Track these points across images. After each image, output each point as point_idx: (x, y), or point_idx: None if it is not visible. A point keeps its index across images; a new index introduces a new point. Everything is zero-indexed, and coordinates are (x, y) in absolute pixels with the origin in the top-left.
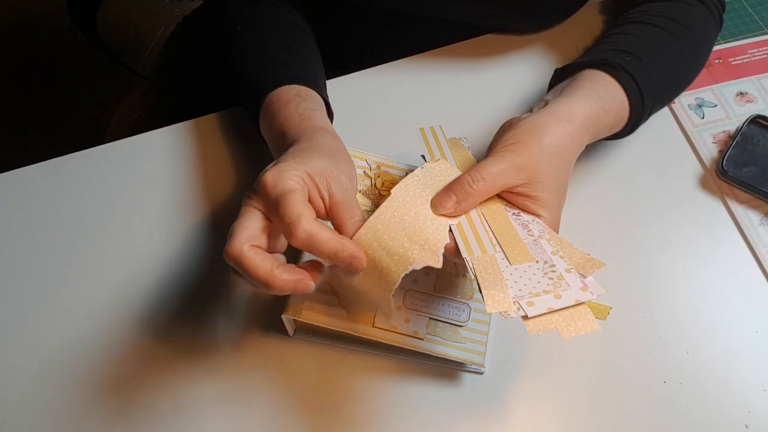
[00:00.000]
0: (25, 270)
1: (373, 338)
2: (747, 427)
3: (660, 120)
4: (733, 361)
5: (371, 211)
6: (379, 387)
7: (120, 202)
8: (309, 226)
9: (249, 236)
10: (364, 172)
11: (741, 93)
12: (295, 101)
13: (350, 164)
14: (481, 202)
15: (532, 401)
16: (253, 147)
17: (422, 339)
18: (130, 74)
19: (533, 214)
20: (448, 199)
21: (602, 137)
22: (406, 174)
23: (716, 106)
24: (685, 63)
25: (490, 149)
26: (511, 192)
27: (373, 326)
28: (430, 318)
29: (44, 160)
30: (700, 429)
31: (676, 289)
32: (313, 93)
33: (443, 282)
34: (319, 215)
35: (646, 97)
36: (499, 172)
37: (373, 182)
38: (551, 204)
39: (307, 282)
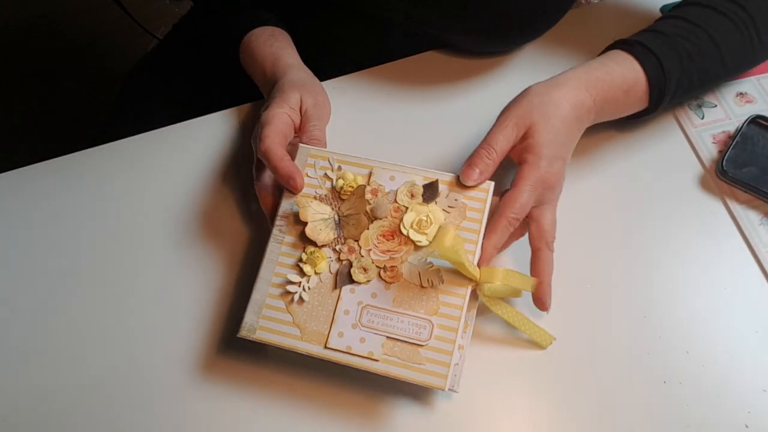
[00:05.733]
0: (24, 269)
1: (325, 359)
2: (747, 427)
3: (660, 120)
4: (733, 361)
5: (329, 219)
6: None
7: (119, 203)
8: (268, 142)
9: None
10: (326, 173)
11: (741, 93)
12: (269, 42)
13: (319, 86)
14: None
15: (530, 401)
16: (250, 147)
17: (377, 360)
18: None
19: (525, 163)
20: (473, 172)
21: (622, 108)
22: (370, 173)
23: (716, 106)
24: (733, 41)
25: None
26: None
27: (325, 347)
28: (387, 337)
29: (44, 160)
30: (700, 429)
31: (676, 289)
32: (282, 31)
33: (405, 295)
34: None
35: (669, 68)
36: (504, 138)
37: (333, 184)
38: (542, 152)
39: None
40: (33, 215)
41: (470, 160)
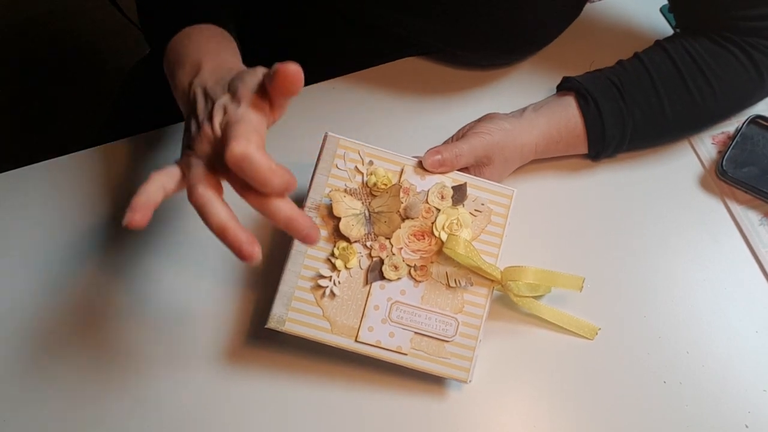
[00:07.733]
0: (24, 270)
1: (355, 352)
2: (747, 427)
3: None
4: (733, 361)
5: (360, 214)
6: (364, 393)
7: (119, 203)
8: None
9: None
10: (356, 167)
11: None
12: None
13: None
14: None
15: (531, 401)
16: None
17: (406, 354)
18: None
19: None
20: (434, 157)
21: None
22: (401, 171)
23: None
24: (681, 111)
25: (468, 128)
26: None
27: (356, 340)
28: (415, 332)
29: (44, 160)
30: (700, 429)
31: (676, 289)
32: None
33: (432, 293)
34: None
35: (610, 138)
36: (470, 149)
37: (364, 180)
38: (485, 175)
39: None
40: (34, 215)
41: (438, 148)
